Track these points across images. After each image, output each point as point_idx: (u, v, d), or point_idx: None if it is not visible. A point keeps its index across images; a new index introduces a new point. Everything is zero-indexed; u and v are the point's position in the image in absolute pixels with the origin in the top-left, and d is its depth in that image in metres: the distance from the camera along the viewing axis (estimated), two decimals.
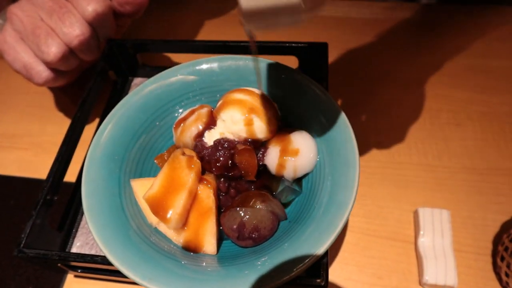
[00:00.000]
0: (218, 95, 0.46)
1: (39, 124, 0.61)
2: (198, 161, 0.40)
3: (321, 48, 0.50)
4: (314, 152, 0.41)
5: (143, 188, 0.39)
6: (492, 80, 0.60)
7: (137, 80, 0.59)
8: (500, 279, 0.44)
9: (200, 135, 0.42)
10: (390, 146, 0.55)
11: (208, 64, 0.46)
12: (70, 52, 0.49)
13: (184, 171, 0.38)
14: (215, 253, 0.38)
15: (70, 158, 0.46)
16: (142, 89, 0.45)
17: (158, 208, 0.37)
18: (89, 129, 0.53)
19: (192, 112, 0.43)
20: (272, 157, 0.41)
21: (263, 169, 0.42)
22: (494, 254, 0.45)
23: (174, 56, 0.66)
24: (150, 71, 0.58)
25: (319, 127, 0.41)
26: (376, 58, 0.64)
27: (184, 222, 0.38)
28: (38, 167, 0.56)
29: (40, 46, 0.47)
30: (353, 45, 0.66)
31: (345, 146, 0.38)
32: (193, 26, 0.72)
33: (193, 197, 0.38)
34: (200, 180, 0.39)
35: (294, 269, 0.32)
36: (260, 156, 0.41)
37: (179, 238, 0.38)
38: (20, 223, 0.51)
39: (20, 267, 0.48)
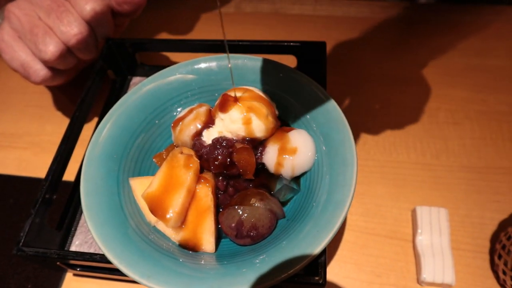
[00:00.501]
0: (216, 94, 0.46)
1: (38, 123, 0.61)
2: (196, 159, 0.40)
3: (320, 47, 0.50)
4: (312, 150, 0.41)
5: (141, 187, 0.39)
6: (490, 79, 0.61)
7: (135, 79, 0.59)
8: (497, 277, 0.44)
9: (199, 133, 0.42)
10: (388, 144, 0.55)
11: (207, 63, 0.46)
12: (67, 51, 0.49)
13: (183, 169, 0.38)
14: (214, 251, 0.38)
15: (69, 157, 0.46)
16: (141, 88, 0.45)
17: (157, 206, 0.37)
18: (88, 128, 0.53)
19: (190, 111, 0.43)
20: (270, 156, 0.41)
21: (261, 168, 0.42)
22: (492, 252, 0.46)
23: (172, 55, 0.66)
24: (149, 70, 0.58)
25: (317, 125, 0.42)
26: (374, 57, 0.64)
27: (182, 221, 0.38)
28: (37, 166, 0.57)
29: (38, 44, 0.47)
30: (351, 44, 0.66)
31: (343, 144, 0.39)
32: (191, 24, 0.72)
33: (192, 196, 0.38)
34: (198, 178, 0.39)
35: (292, 267, 0.33)
36: (259, 154, 0.41)
37: (177, 237, 0.38)
38: (19, 221, 0.52)
39: (19, 266, 0.48)
